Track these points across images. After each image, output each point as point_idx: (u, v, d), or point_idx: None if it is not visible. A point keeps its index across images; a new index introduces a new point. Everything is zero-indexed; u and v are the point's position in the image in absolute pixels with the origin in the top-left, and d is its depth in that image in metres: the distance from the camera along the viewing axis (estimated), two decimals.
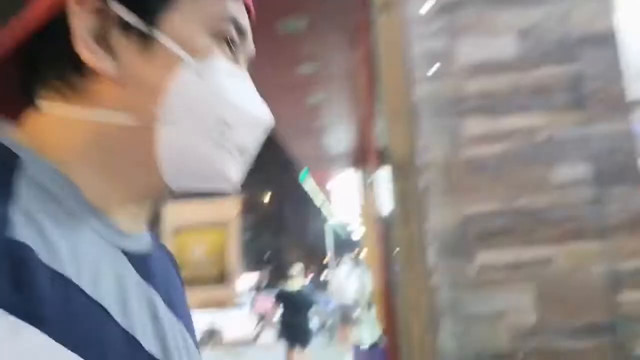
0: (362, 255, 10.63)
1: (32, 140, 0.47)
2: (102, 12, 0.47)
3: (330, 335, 11.00)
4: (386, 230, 1.90)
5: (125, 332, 0.45)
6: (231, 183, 0.52)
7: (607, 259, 1.72)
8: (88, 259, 0.44)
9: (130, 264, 0.49)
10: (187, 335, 0.55)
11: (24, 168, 0.43)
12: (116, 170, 0.49)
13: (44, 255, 0.39)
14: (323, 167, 9.16)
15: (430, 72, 1.93)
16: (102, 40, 0.47)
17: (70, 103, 0.48)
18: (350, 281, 10.54)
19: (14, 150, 0.45)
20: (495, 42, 1.93)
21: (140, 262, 0.50)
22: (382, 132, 1.96)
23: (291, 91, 5.07)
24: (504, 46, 1.92)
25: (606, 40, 1.87)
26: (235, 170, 0.52)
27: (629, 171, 1.77)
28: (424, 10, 1.97)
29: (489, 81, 1.90)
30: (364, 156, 5.22)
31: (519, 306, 1.74)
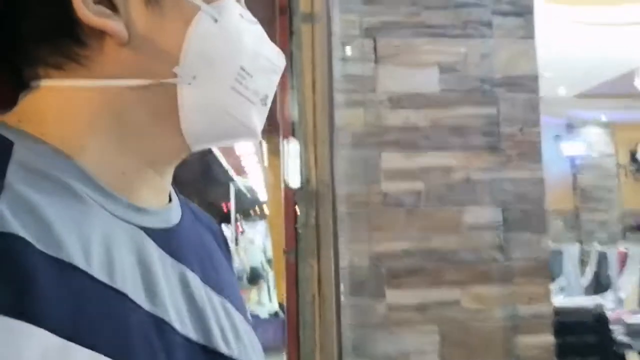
0: (265, 215, 10.51)
1: (28, 123, 0.42)
2: None
3: None
4: (293, 203, 1.81)
5: (152, 317, 0.40)
6: (255, 134, 0.49)
7: (508, 303, 1.77)
8: (98, 241, 0.39)
9: (152, 242, 0.44)
10: (234, 312, 0.50)
11: (18, 155, 0.39)
12: (132, 139, 0.45)
13: (43, 244, 0.35)
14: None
15: (351, 98, 1.82)
16: (104, 0, 0.42)
17: (72, 77, 0.43)
18: (256, 242, 10.44)
19: (6, 136, 0.40)
20: (418, 74, 1.85)
21: (165, 238, 0.46)
22: (299, 154, 1.83)
23: None
24: (427, 79, 1.85)
25: (525, 84, 1.87)
26: (258, 119, 0.49)
27: (535, 219, 1.81)
28: (347, 29, 1.83)
29: (409, 114, 1.84)
30: (274, 126, 5.05)
31: (423, 348, 1.76)
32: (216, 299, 0.49)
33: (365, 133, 1.82)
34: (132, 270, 0.41)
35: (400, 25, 1.86)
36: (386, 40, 1.85)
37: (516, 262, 1.80)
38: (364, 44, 1.84)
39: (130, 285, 0.39)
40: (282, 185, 1.87)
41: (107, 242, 0.40)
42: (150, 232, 0.44)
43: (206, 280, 0.48)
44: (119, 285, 0.38)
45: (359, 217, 1.79)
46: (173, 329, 0.41)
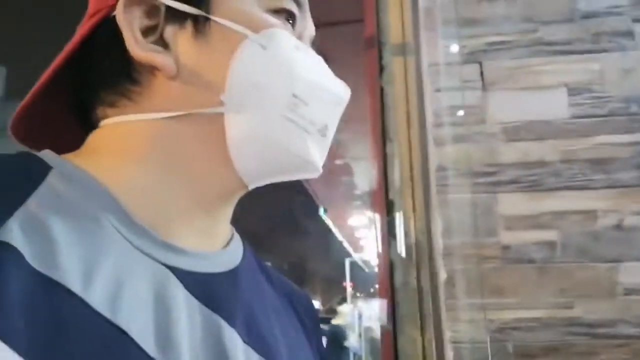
0: None
1: (81, 157, 0.44)
2: (151, 7, 0.45)
3: None
4: (389, 265, 1.48)
5: None
6: (314, 167, 0.47)
7: None
8: (108, 272, 0.37)
9: (180, 283, 0.41)
10: None
11: (51, 180, 0.40)
12: (180, 173, 0.44)
13: (38, 262, 0.34)
14: (343, 205, 8.81)
15: (455, 132, 1.52)
16: (154, 36, 0.45)
17: (123, 113, 0.45)
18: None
19: (48, 162, 0.41)
20: (539, 98, 1.51)
21: (200, 283, 0.42)
22: (394, 199, 1.54)
23: None
24: (551, 104, 1.49)
25: None
26: (316, 150, 0.46)
27: None
28: (446, 57, 1.57)
29: (530, 147, 1.48)
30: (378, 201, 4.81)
31: None
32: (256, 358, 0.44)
33: (475, 173, 1.48)
34: (144, 310, 0.37)
35: (512, 44, 1.56)
36: (494, 64, 1.55)
37: None
38: (467, 70, 1.55)
39: (137, 326, 0.36)
40: (377, 246, 1.57)
41: (119, 275, 0.37)
42: (181, 274, 0.41)
43: (251, 339, 0.44)
44: (120, 321, 0.36)
45: (472, 277, 1.42)
46: None
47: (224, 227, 0.49)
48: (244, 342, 0.43)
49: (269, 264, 0.54)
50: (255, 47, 0.44)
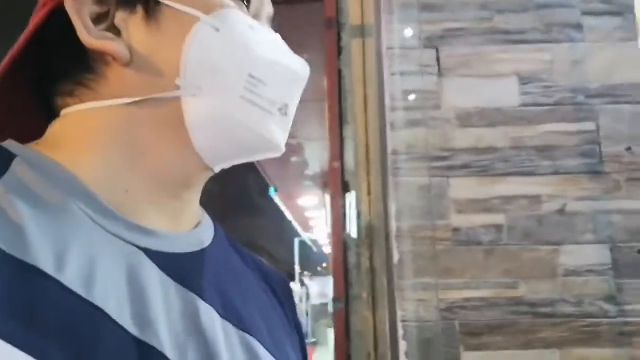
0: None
1: (43, 145, 0.44)
2: None
3: None
4: (343, 245, 1.50)
5: (138, 342, 0.37)
6: (276, 146, 0.47)
7: None
8: (80, 253, 0.37)
9: (153, 264, 0.41)
10: (260, 351, 0.46)
11: (15, 168, 0.40)
12: (139, 157, 0.44)
13: (8, 245, 0.34)
14: (294, 185, 8.82)
15: (410, 116, 1.54)
16: (106, 22, 0.44)
17: (81, 101, 0.45)
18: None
19: (11, 150, 0.42)
20: (492, 85, 1.55)
21: (174, 263, 0.43)
22: (349, 180, 1.55)
23: None
24: (503, 92, 1.54)
25: (629, 94, 1.51)
26: (277, 129, 0.46)
27: None
28: (403, 41, 1.58)
29: (483, 133, 1.52)
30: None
31: None
32: (235, 333, 0.44)
33: (429, 157, 1.52)
34: (118, 289, 0.38)
35: (468, 32, 1.59)
36: (450, 50, 1.57)
37: (633, 317, 1.38)
38: (424, 55, 1.57)
39: (113, 304, 0.37)
40: (328, 224, 1.59)
41: (91, 256, 0.38)
42: (153, 255, 0.42)
43: (227, 314, 0.44)
44: (96, 299, 0.36)
45: (423, 258, 1.46)
46: (165, 358, 0.38)
47: (192, 209, 0.49)
48: (221, 317, 0.44)
49: None
50: (208, 29, 0.44)
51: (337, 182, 1.55)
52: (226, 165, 0.48)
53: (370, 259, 1.44)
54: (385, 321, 1.37)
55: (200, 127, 0.44)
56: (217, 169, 0.48)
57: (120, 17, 0.45)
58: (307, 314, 10.91)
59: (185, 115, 0.44)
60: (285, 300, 0.57)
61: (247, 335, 0.46)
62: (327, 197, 1.56)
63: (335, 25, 1.64)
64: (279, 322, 0.53)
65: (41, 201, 0.39)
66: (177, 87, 0.43)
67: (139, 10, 0.45)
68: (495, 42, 1.58)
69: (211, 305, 0.44)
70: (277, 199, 10.06)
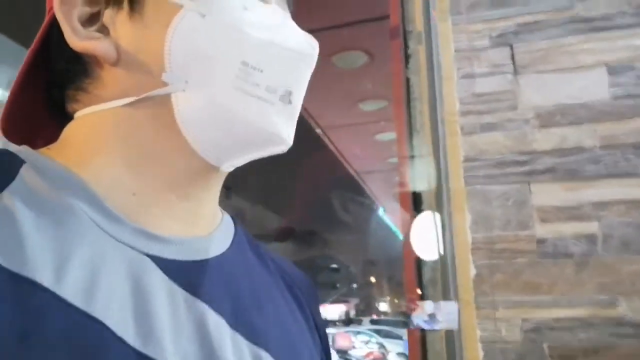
0: None
1: (53, 150, 0.44)
2: None
3: None
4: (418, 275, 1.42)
5: (140, 356, 0.35)
6: (281, 139, 0.42)
7: None
8: (82, 263, 0.35)
9: (161, 272, 0.39)
10: None
11: (24, 173, 0.39)
12: (142, 160, 0.42)
13: (6, 258, 0.33)
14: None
15: (483, 120, 1.44)
16: (98, 23, 0.42)
17: (83, 106, 0.44)
18: None
19: (22, 156, 0.41)
20: (576, 79, 1.39)
21: (184, 271, 0.40)
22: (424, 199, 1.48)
23: (356, 129, 4.75)
24: (590, 85, 1.38)
25: None
26: (280, 120, 0.42)
27: None
28: (473, 40, 1.49)
29: (567, 132, 1.37)
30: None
31: None
32: (246, 346, 0.42)
33: (506, 162, 1.39)
34: (121, 299, 0.36)
35: (545, 24, 1.45)
36: (526, 46, 1.45)
37: None
38: (497, 54, 1.46)
39: (115, 315, 0.35)
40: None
41: (95, 265, 0.36)
42: (161, 262, 0.40)
43: (238, 325, 0.42)
44: (96, 312, 0.34)
45: (502, 272, 1.34)
46: None
47: (207, 211, 0.46)
48: (232, 328, 0.42)
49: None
50: (193, 16, 0.40)
51: (408, 200, 1.48)
52: (236, 163, 0.44)
53: (443, 274, 1.35)
54: (461, 341, 1.27)
55: (193, 125, 0.41)
56: (225, 168, 0.44)
57: (108, 15, 0.43)
58: None
59: (176, 113, 0.41)
60: (309, 304, 0.53)
61: (258, 348, 0.43)
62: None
63: (400, 33, 1.59)
64: (298, 331, 0.50)
65: (46, 208, 0.37)
66: (165, 84, 0.41)
67: (125, 5, 0.42)
68: (577, 31, 1.43)
69: (221, 315, 0.41)
70: (386, 218, 10.04)
